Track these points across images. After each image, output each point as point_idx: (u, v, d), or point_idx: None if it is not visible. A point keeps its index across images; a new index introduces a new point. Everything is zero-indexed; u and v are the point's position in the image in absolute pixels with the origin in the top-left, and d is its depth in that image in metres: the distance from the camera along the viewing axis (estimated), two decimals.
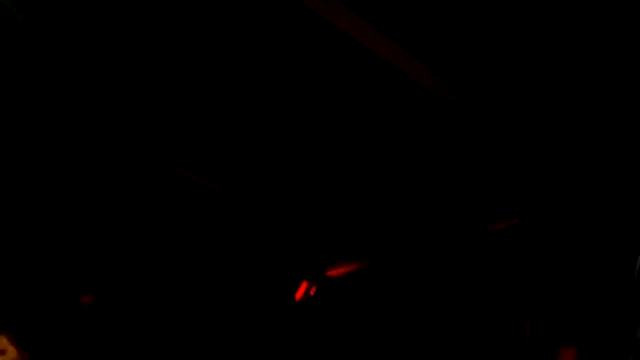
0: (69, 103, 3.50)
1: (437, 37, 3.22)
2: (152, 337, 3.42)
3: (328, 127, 3.57)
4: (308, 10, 3.05)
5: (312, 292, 3.03)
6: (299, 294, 3.08)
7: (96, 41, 3.28)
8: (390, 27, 3.13)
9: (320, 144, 3.66)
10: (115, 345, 3.55)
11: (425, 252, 3.13)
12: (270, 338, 3.55)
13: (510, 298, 3.54)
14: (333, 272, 3.00)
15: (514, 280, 3.51)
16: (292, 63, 3.32)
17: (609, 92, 3.24)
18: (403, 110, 3.52)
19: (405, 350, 3.63)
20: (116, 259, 3.62)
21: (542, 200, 3.34)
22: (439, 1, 3.01)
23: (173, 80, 3.41)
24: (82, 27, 3.24)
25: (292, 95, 3.47)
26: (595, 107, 3.28)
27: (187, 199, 3.69)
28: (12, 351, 2.91)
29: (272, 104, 3.51)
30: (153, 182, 3.64)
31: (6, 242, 3.58)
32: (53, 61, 3.29)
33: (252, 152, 3.70)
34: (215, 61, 3.30)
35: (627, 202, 3.28)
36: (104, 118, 3.56)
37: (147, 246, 3.60)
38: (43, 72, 3.36)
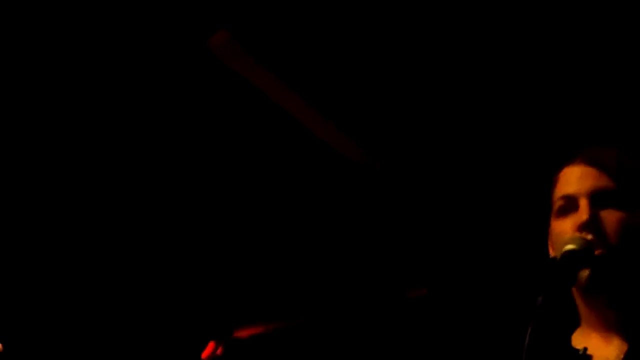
0: None
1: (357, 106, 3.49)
2: None
3: (239, 188, 3.50)
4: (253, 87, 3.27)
5: (219, 352, 2.69)
6: (205, 354, 2.71)
7: None
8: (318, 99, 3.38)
9: (232, 207, 3.53)
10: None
11: (339, 317, 2.96)
12: None
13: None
14: (242, 333, 2.71)
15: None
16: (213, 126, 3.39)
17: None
18: (321, 176, 3.58)
19: None
20: None
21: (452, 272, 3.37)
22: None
23: None
24: None
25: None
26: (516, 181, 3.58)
27: None
28: None
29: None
30: None
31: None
32: None
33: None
34: None
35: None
36: None
37: None
38: None
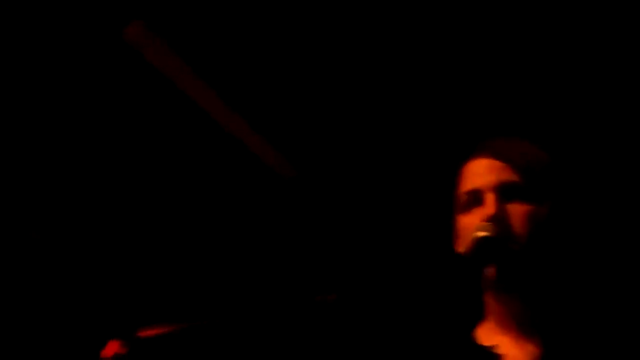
0: None
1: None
2: None
3: (149, 184, 3.45)
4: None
5: (121, 351, 2.62)
6: (106, 352, 2.63)
7: None
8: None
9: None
10: None
11: (245, 318, 2.91)
12: None
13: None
14: (146, 332, 2.65)
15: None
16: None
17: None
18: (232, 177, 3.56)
19: None
20: None
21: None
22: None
23: None
24: None
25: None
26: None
27: None
28: None
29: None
30: None
31: None
32: None
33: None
34: None
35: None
36: None
37: None
38: None
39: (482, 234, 1.93)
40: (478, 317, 2.15)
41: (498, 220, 1.96)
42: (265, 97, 3.53)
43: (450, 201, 2.14)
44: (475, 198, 2.04)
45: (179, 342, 2.58)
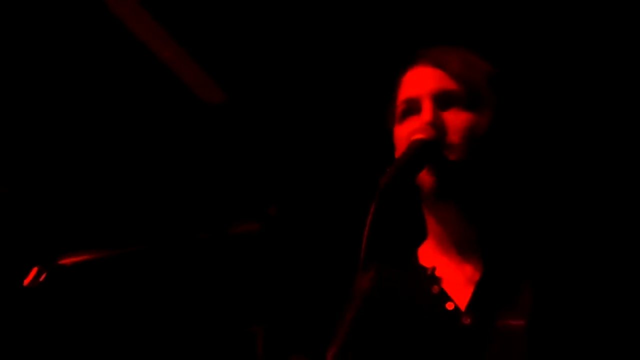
0: None
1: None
2: None
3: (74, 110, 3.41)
4: None
5: (41, 279, 2.63)
6: (27, 280, 2.64)
7: None
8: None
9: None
10: None
11: (164, 247, 2.94)
12: None
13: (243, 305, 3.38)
14: (66, 260, 2.67)
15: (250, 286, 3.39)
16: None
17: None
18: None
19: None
20: None
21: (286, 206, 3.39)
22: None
23: None
24: None
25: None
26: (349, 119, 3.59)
27: None
28: None
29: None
30: None
31: None
32: None
33: None
34: None
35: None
36: None
37: None
38: None
39: (418, 136, 1.83)
40: (419, 237, 2.06)
41: (435, 125, 1.86)
42: (195, 16, 3.45)
43: (388, 115, 2.04)
44: (413, 107, 1.94)
45: (99, 270, 2.61)
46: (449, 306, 1.88)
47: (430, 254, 2.02)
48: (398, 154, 1.94)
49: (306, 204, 3.50)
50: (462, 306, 1.87)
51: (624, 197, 2.95)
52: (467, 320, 1.84)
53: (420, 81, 1.96)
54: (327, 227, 3.43)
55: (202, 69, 3.61)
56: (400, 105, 1.99)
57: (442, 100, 1.92)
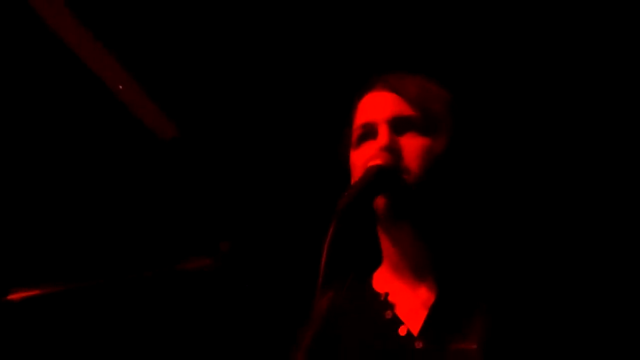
0: None
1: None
2: None
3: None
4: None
5: None
6: None
7: None
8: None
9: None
10: None
11: (116, 283, 2.91)
12: None
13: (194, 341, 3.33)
14: (15, 295, 2.62)
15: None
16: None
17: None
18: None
19: None
20: None
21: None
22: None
23: None
24: None
25: None
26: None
27: None
28: None
29: None
30: None
31: None
32: None
33: None
34: None
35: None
36: None
37: None
38: None
39: (373, 162, 1.84)
40: (375, 262, 2.06)
41: (391, 150, 1.86)
42: (150, 52, 3.44)
43: (343, 140, 2.04)
44: (369, 132, 1.94)
45: (49, 305, 2.58)
46: (402, 331, 1.87)
47: (385, 279, 2.01)
48: (354, 179, 1.93)
49: (257, 238, 3.48)
50: (415, 331, 1.86)
51: (577, 222, 2.98)
52: (419, 345, 1.83)
53: (377, 106, 1.95)
54: (279, 260, 3.42)
55: (155, 105, 3.60)
56: (356, 130, 1.98)
57: (399, 125, 1.91)
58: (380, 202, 1.86)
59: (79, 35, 3.26)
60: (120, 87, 3.50)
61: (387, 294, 1.94)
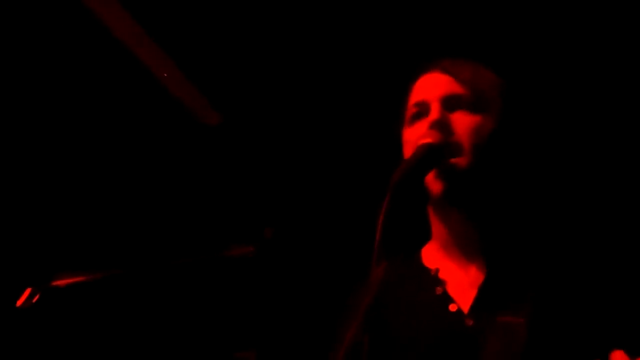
0: None
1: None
2: None
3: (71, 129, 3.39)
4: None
5: (34, 300, 2.61)
6: (20, 301, 2.62)
7: None
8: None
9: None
10: None
11: (160, 269, 2.93)
12: None
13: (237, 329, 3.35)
14: (61, 281, 2.65)
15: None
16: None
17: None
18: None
19: None
20: None
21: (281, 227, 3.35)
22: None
23: None
24: None
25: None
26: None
27: None
28: None
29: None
30: None
31: None
32: None
33: None
34: None
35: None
36: None
37: None
38: None
39: (424, 140, 1.87)
40: (423, 238, 2.09)
41: (442, 126, 1.90)
42: (191, 38, 3.44)
43: (397, 120, 2.08)
44: (422, 110, 1.99)
45: (93, 291, 2.61)
46: (452, 308, 1.89)
47: (434, 256, 2.04)
48: (406, 156, 1.97)
49: (301, 225, 3.48)
50: (465, 308, 1.88)
51: (625, 202, 2.98)
52: (469, 322, 1.85)
53: (430, 86, 2.01)
54: (322, 246, 3.41)
55: (199, 91, 3.61)
56: (410, 109, 2.03)
57: (450, 103, 1.96)
58: (434, 185, 1.90)
59: (127, 27, 3.28)
60: (165, 74, 3.50)
61: (437, 270, 1.97)
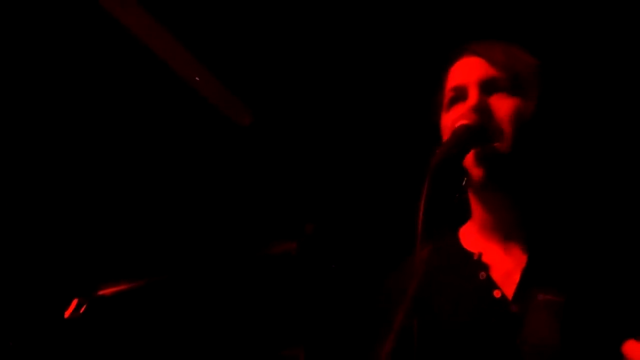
0: None
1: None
2: None
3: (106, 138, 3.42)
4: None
5: (82, 310, 2.64)
6: (68, 312, 2.66)
7: None
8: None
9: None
10: None
11: (203, 272, 2.95)
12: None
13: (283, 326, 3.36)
14: (106, 291, 2.67)
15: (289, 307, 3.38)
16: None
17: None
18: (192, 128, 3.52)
19: None
20: None
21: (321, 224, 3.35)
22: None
23: None
24: None
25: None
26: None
27: None
28: None
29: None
30: None
31: None
32: None
33: None
34: None
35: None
36: None
37: None
38: None
39: (461, 122, 1.88)
40: (462, 218, 2.09)
41: (480, 110, 1.90)
42: (222, 41, 3.46)
43: (434, 106, 2.08)
44: (459, 95, 1.99)
45: (139, 298, 2.63)
46: (497, 294, 1.89)
47: (475, 240, 2.04)
48: (444, 139, 1.97)
49: (342, 216, 3.48)
50: (508, 293, 1.88)
51: None
52: (514, 309, 1.84)
53: (467, 70, 2.01)
54: (365, 235, 3.41)
55: (231, 93, 3.63)
56: (447, 94, 2.03)
57: (488, 87, 1.96)
58: (475, 169, 1.90)
59: (158, 37, 3.31)
60: (197, 78, 3.52)
61: (480, 254, 1.96)
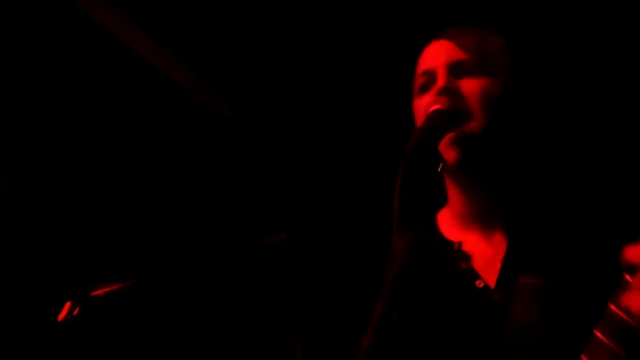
0: None
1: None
2: None
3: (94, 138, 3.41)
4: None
5: (75, 312, 2.64)
6: (61, 315, 2.66)
7: None
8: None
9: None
10: None
11: (195, 267, 2.95)
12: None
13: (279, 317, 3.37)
14: (99, 291, 2.67)
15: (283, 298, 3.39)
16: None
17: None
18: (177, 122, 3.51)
19: None
20: None
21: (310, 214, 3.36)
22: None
23: None
24: None
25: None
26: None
27: None
28: None
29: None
30: None
31: None
32: None
33: None
34: None
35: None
36: None
37: None
38: None
39: (434, 107, 1.87)
40: (438, 204, 2.08)
41: (450, 92, 1.90)
42: (200, 35, 3.46)
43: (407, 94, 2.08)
44: (429, 79, 1.99)
45: (132, 297, 2.63)
46: (479, 284, 1.89)
47: (453, 227, 2.04)
48: (417, 124, 1.99)
49: (325, 206, 3.49)
50: (491, 282, 1.87)
51: None
52: (497, 298, 1.84)
53: (435, 54, 2.01)
54: (348, 224, 3.42)
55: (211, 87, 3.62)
56: (418, 79, 2.03)
57: (457, 70, 1.96)
58: (449, 152, 1.88)
59: (135, 32, 3.31)
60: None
61: (460, 244, 1.96)
